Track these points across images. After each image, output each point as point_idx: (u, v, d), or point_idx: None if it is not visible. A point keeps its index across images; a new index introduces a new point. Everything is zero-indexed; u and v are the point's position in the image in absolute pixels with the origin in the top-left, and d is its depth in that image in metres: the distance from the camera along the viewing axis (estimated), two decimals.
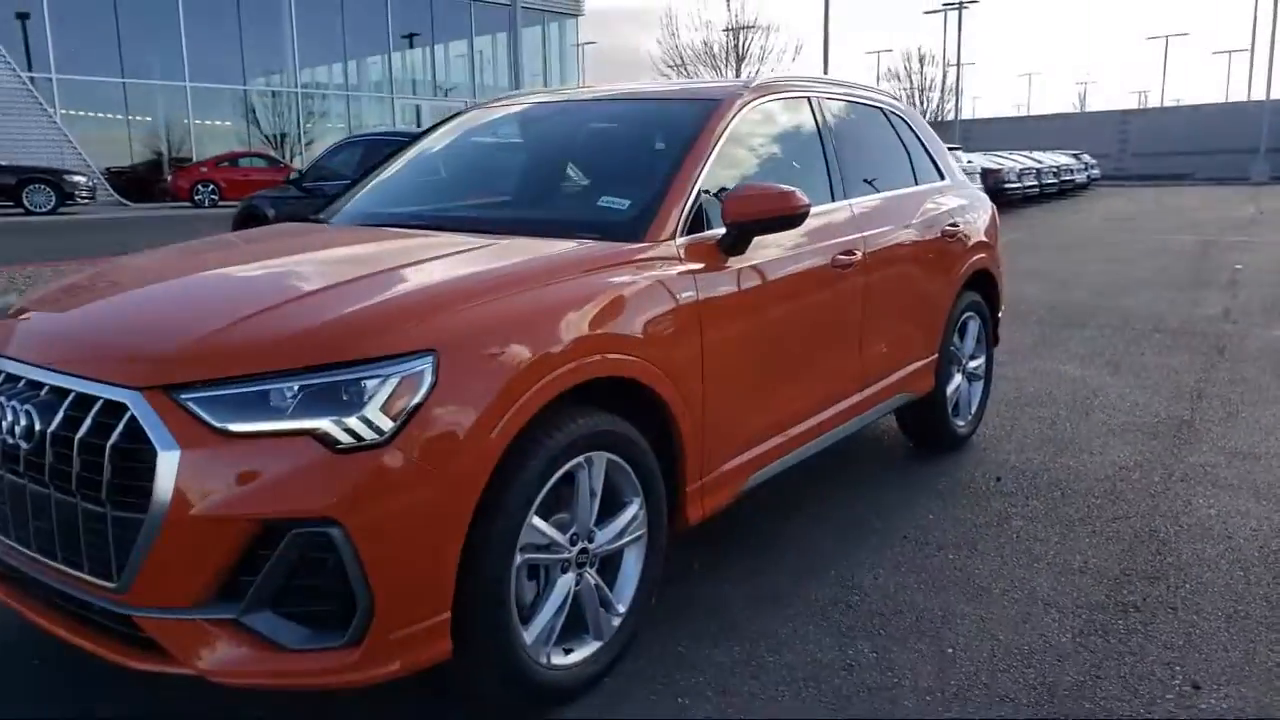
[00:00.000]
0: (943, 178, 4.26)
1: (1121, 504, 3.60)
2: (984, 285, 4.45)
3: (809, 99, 3.46)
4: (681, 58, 34.76)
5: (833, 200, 3.35)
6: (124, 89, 27.92)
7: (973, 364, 4.41)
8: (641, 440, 2.41)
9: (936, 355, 3.97)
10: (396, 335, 1.94)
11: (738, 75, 33.64)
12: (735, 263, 2.75)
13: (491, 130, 3.57)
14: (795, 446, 3.12)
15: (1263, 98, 40.35)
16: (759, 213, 2.67)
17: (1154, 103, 59.25)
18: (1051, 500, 3.66)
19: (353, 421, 1.84)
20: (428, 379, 1.91)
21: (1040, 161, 26.88)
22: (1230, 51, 72.05)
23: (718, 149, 2.90)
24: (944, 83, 40.74)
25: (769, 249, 2.87)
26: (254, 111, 32.18)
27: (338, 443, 1.83)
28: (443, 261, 2.40)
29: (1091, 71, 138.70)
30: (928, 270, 3.82)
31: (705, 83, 3.47)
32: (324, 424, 1.83)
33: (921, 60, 42.20)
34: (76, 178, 21.04)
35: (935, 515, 3.52)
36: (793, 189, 2.70)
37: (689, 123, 2.98)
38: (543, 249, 2.52)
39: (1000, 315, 4.67)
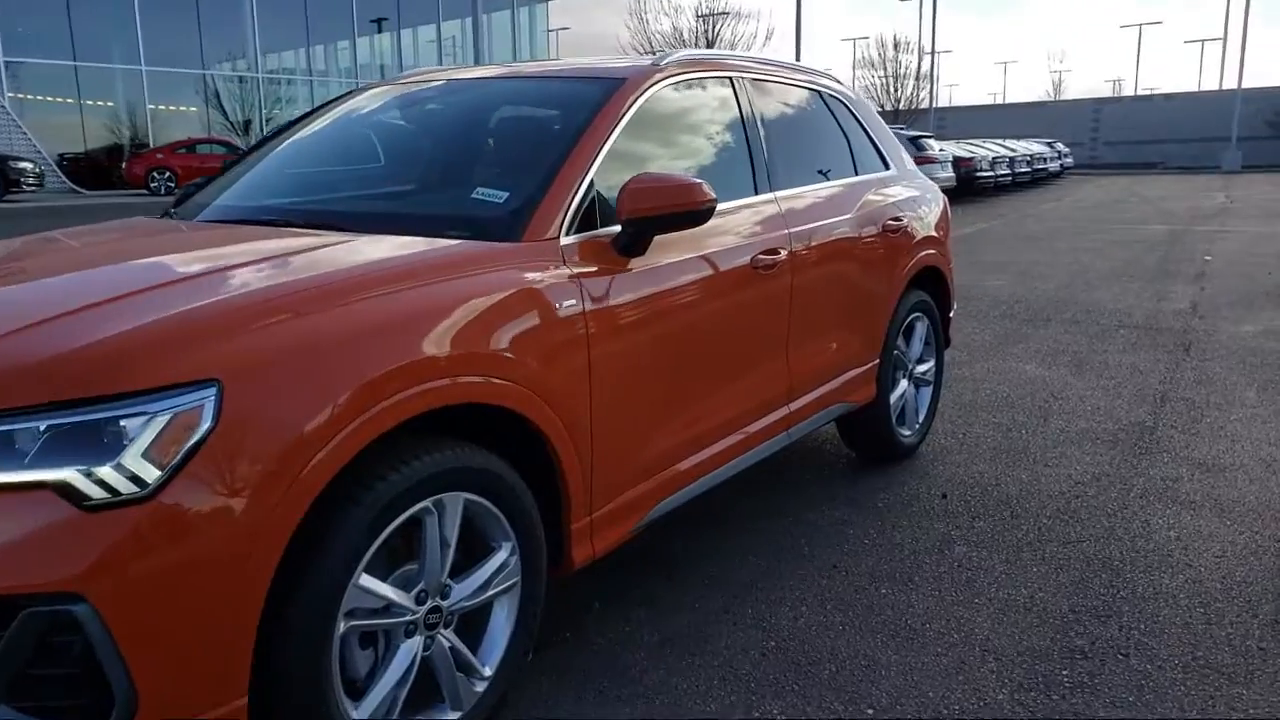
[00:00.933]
0: (888, 167, 3.93)
1: (1075, 526, 3.30)
2: (933, 283, 4.13)
3: (731, 80, 3.11)
4: (651, 44, 34.19)
5: (756, 193, 3.01)
6: (76, 72, 27.15)
7: (921, 368, 4.09)
8: (511, 475, 2.06)
9: (878, 361, 3.65)
10: (168, 362, 1.57)
11: None
12: (635, 265, 2.40)
13: (375, 113, 3.19)
14: (712, 468, 2.78)
15: (1234, 87, 40.41)
16: (657, 208, 2.32)
17: (1129, 91, 59.37)
18: (1000, 521, 3.35)
19: (105, 471, 1.48)
20: (207, 416, 1.55)
21: (1013, 150, 26.70)
22: (1203, 40, 72.43)
23: (617, 135, 2.55)
24: (919, 70, 40.45)
25: (675, 249, 2.52)
26: (217, 97, 31.49)
27: (86, 498, 1.47)
28: (262, 268, 2.03)
29: (1067, 60, 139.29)
30: (867, 269, 3.49)
31: (614, 60, 3.04)
32: (69, 474, 1.47)
33: (896, 47, 41.87)
34: (22, 164, 20.38)
35: (872, 539, 3.20)
36: (697, 180, 2.36)
37: (585, 105, 2.62)
38: (395, 249, 2.16)
39: (952, 315, 4.36)
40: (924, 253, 3.91)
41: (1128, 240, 12.75)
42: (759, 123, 3.13)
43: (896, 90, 41.38)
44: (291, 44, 34.46)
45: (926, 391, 4.19)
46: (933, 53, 39.66)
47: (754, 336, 2.91)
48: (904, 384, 3.95)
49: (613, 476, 2.37)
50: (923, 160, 19.34)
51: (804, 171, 3.36)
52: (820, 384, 3.25)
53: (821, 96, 3.64)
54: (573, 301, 2.20)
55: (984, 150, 23.89)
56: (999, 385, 5.21)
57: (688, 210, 2.35)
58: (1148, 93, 54.15)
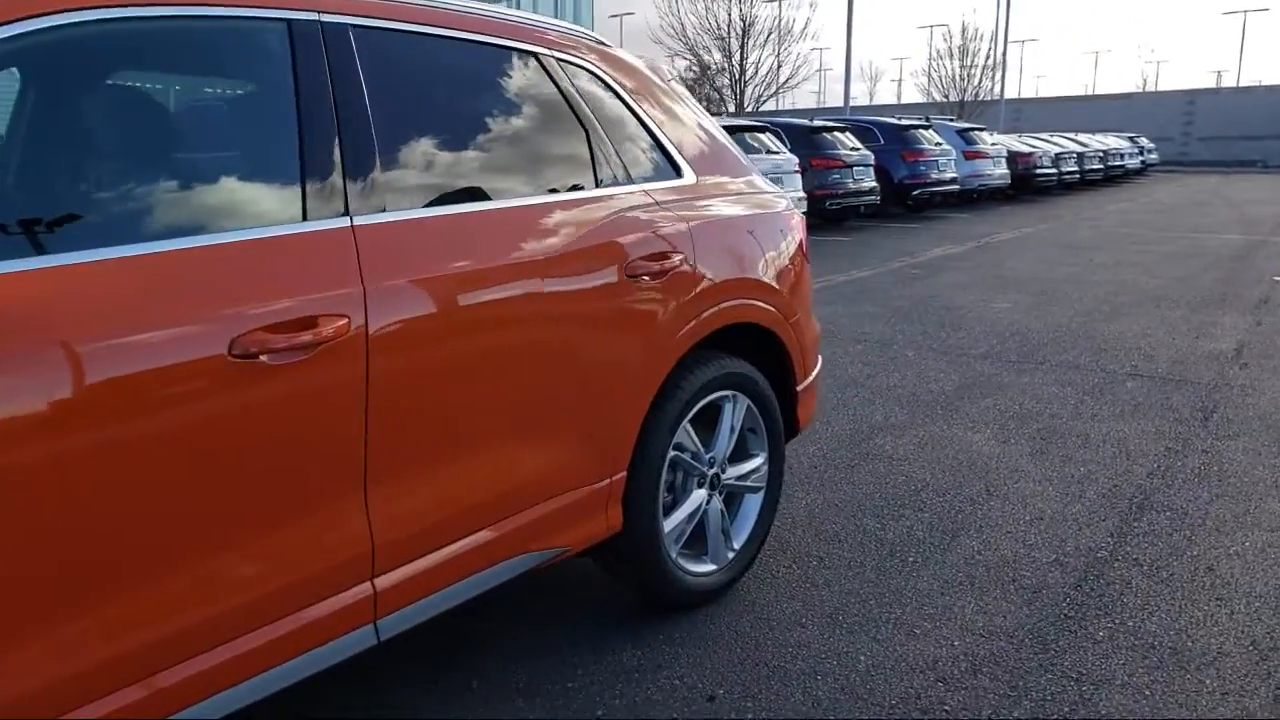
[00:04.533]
0: (678, 174, 2.58)
1: None
2: (760, 347, 2.79)
3: (290, 25, 1.81)
4: (683, 29, 32.22)
5: (305, 218, 1.72)
6: None
7: (736, 471, 2.75)
8: None
9: (625, 474, 2.33)
10: None
11: (742, 51, 31.25)
12: None
13: None
14: (160, 711, 1.53)
15: None
16: None
17: (1230, 83, 55.41)
18: None
19: None
20: None
21: (1085, 145, 24.51)
22: None
23: None
24: (987, 59, 37.80)
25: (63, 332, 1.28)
26: None
27: None
28: None
29: (1162, 50, 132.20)
30: (589, 332, 2.17)
31: None
32: None
33: (964, 34, 39.16)
34: None
35: None
36: None
37: None
38: None
39: (805, 388, 3.00)
40: (731, 303, 2.57)
41: (1188, 252, 10.96)
42: (352, 101, 1.83)
43: (963, 80, 38.82)
44: None
45: (754, 501, 2.84)
46: (1005, 39, 37.09)
47: (256, 473, 1.62)
48: (699, 496, 2.62)
49: None
50: (972, 155, 17.64)
51: (461, 179, 2.04)
52: (460, 534, 1.95)
53: (541, 63, 2.30)
54: None
55: (1047, 145, 21.85)
56: (920, 469, 3.80)
57: None
58: (1252, 85, 50.35)
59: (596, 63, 2.45)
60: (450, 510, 1.90)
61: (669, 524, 2.52)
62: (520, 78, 2.25)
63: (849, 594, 2.76)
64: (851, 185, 13.89)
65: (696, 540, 2.68)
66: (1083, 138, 25.67)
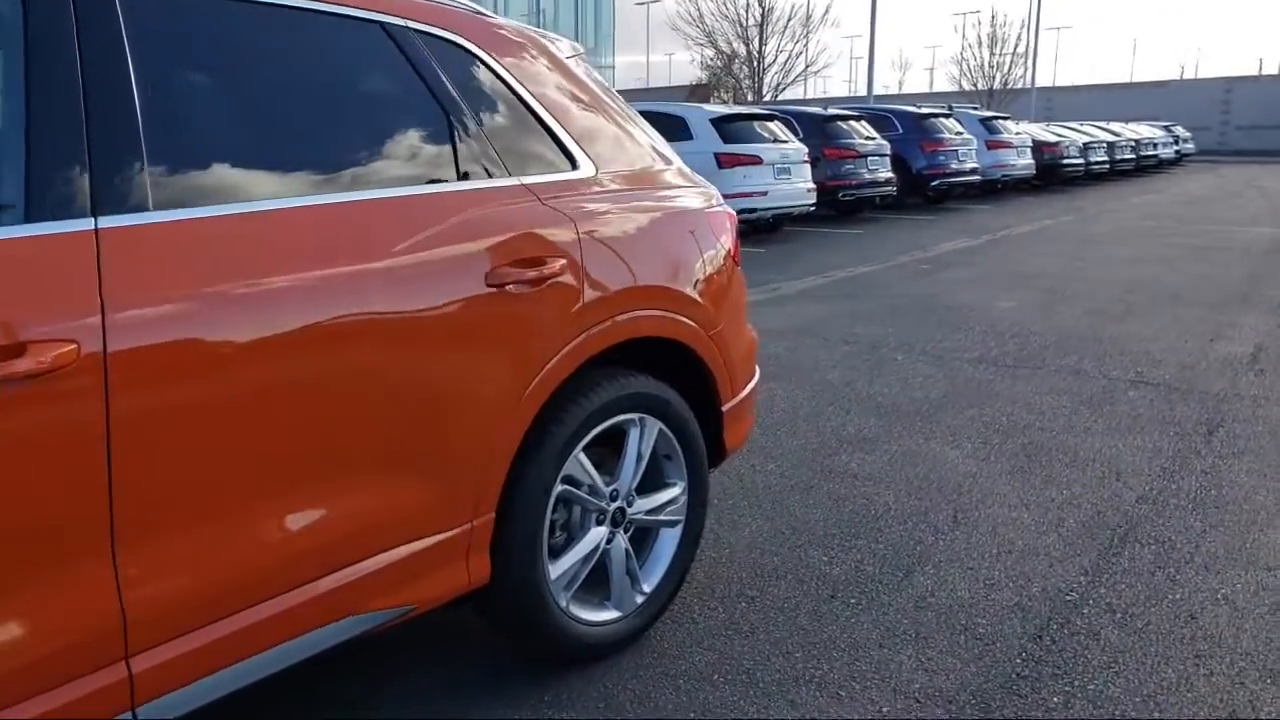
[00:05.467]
0: (574, 166, 2.26)
1: None
2: (678, 363, 2.47)
3: None
4: (700, 12, 31.56)
5: (28, 219, 1.41)
6: None
7: (648, 504, 2.43)
8: None
9: (493, 514, 2.01)
10: None
11: (761, 37, 30.59)
12: None
13: None
14: None
15: None
16: None
17: (1271, 70, 53.88)
18: None
19: None
20: None
21: (1117, 134, 23.79)
22: None
23: None
24: (1015, 47, 36.83)
25: None
26: None
27: None
28: None
29: (1202, 37, 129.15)
30: (429, 353, 1.85)
31: None
32: None
33: (994, 21, 38.22)
34: None
35: None
36: None
37: None
38: None
39: (732, 408, 2.67)
40: (634, 314, 2.24)
41: (1215, 246, 10.45)
42: (107, 67, 1.51)
43: (993, 69, 37.90)
44: None
45: (670, 537, 2.52)
46: (1036, 28, 36.18)
47: None
48: (598, 535, 2.30)
49: None
50: (995, 145, 17.12)
51: (266, 172, 1.73)
52: (252, 599, 1.64)
53: (388, 33, 1.97)
54: None
55: (1076, 134, 21.20)
56: (885, 490, 3.46)
57: None
58: None
59: (468, 35, 2.12)
60: (234, 572, 1.59)
61: (557, 569, 2.20)
62: (358, 50, 1.93)
63: (774, 645, 2.44)
64: (866, 176, 13.46)
65: (600, 583, 2.36)
66: (1114, 127, 24.93)
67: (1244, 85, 44.09)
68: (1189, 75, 57.09)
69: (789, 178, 11.34)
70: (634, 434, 2.34)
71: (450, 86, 2.04)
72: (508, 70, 2.18)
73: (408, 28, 1.99)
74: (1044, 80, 52.19)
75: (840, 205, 13.87)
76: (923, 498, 3.40)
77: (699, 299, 2.45)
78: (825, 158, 12.95)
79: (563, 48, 2.44)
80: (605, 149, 2.36)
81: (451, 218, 1.91)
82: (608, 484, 2.31)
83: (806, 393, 4.72)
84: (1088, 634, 2.47)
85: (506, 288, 1.95)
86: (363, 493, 1.76)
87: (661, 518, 2.47)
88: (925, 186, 15.30)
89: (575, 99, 2.35)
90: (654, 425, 2.38)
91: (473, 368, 1.90)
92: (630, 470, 2.35)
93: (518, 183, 2.08)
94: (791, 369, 5.18)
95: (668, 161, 2.59)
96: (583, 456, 2.21)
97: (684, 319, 2.40)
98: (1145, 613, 2.58)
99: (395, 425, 1.78)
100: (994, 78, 37.75)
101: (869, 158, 13.48)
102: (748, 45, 30.67)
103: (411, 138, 1.97)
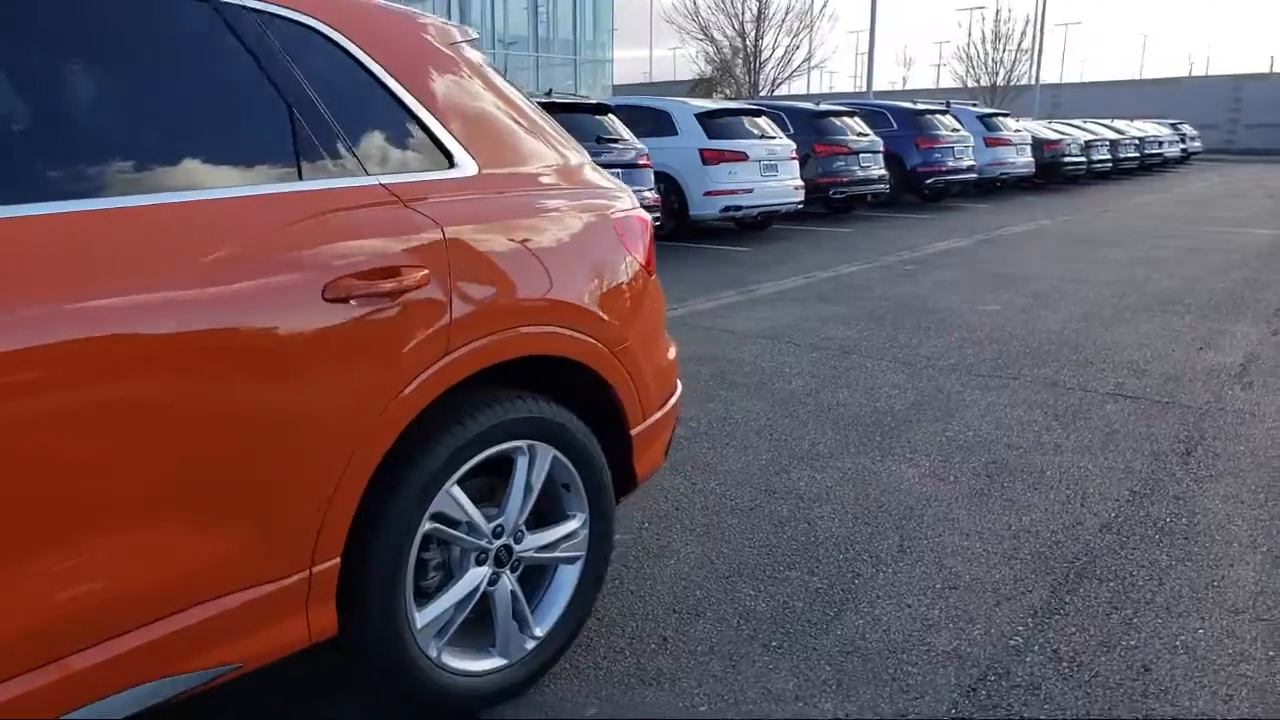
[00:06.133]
0: (450, 163, 2.02)
1: None
2: (577, 384, 2.24)
3: None
4: (696, 6, 31.11)
5: None
6: None
7: (539, 540, 2.19)
8: None
9: (337, 561, 1.78)
10: None
11: (758, 31, 30.17)
12: None
13: None
14: None
15: None
16: None
17: None
18: None
19: None
20: None
21: (1121, 132, 23.46)
22: None
23: None
24: (1021, 42, 36.39)
25: None
26: None
27: None
28: None
29: (1212, 34, 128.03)
30: (250, 379, 1.60)
31: None
32: None
33: (998, 17, 37.74)
34: None
35: None
36: None
37: None
38: None
39: (648, 428, 2.43)
40: (516, 331, 2.01)
41: (1213, 249, 10.17)
42: None
43: (995, 65, 37.44)
44: None
45: (569, 575, 2.29)
46: (1041, 23, 35.77)
47: None
48: (477, 576, 2.06)
49: None
50: (994, 142, 16.83)
51: (49, 170, 1.49)
52: (26, 663, 1.41)
53: (219, 12, 1.72)
54: None
55: (1078, 132, 20.87)
56: (830, 514, 3.22)
57: None
58: None
59: (319, 15, 1.88)
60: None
61: (425, 616, 1.97)
62: (179, 30, 1.69)
63: (680, 696, 2.20)
64: (859, 173, 13.19)
65: (488, 627, 2.13)
66: (1119, 124, 24.58)
67: (1254, 84, 43.62)
68: (1198, 73, 56.59)
69: (776, 175, 11.08)
70: (521, 463, 2.11)
71: (294, 73, 1.80)
72: (371, 55, 1.94)
73: (241, 5, 1.75)
74: (1051, 77, 51.81)
75: (832, 203, 13.62)
76: (870, 522, 3.16)
77: (601, 313, 2.21)
78: (816, 154, 12.69)
79: (450, 31, 2.20)
80: (493, 145, 2.12)
81: (282, 223, 1.67)
82: (491, 519, 2.07)
83: (765, 403, 4.48)
84: (1027, 687, 2.23)
85: (350, 303, 1.71)
86: (161, 541, 1.53)
87: (557, 555, 2.23)
88: (920, 185, 15.03)
89: (459, 89, 2.12)
90: (546, 453, 2.14)
91: (303, 396, 1.67)
92: (517, 503, 2.11)
93: (375, 183, 1.85)
94: (754, 376, 4.94)
95: (573, 161, 2.35)
96: (457, 491, 1.97)
97: (582, 335, 2.16)
98: (1094, 662, 2.34)
99: (198, 464, 1.55)
100: (997, 74, 37.32)
101: (861, 154, 13.21)
102: (744, 39, 30.31)
103: (241, 132, 1.73)
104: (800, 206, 11.55)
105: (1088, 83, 49.35)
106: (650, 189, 9.38)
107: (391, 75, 1.96)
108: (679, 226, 10.73)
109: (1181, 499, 3.35)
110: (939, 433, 4.07)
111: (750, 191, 10.75)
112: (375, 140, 1.90)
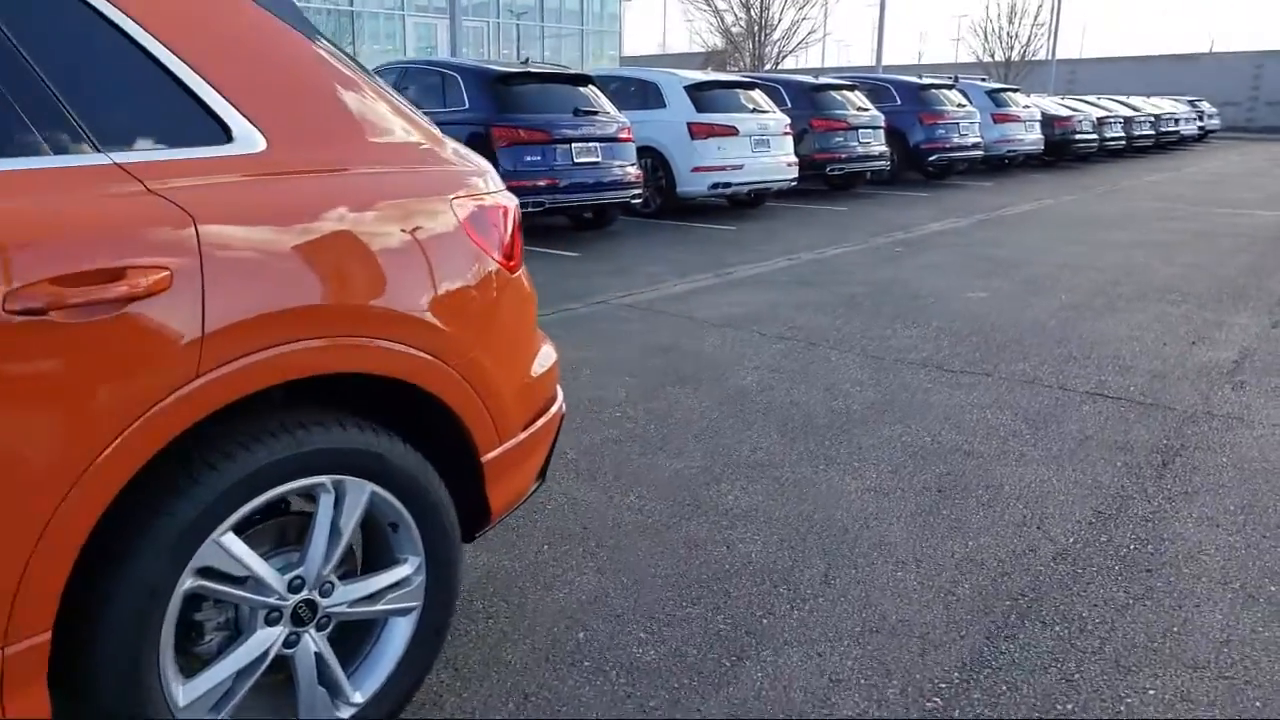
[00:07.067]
0: (226, 138, 1.65)
1: None
2: (414, 407, 1.88)
3: None
4: None
5: None
6: None
7: (358, 590, 1.84)
8: None
9: (46, 636, 1.43)
10: None
11: (761, 3, 29.48)
12: None
13: None
14: None
15: None
16: None
17: None
18: None
19: None
20: None
21: (1135, 109, 22.78)
22: None
23: None
24: (1037, 16, 35.49)
25: None
26: None
27: None
28: None
29: (1233, 8, 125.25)
30: None
31: None
32: None
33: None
34: None
35: None
36: None
37: None
38: None
39: (506, 453, 2.07)
40: (308, 343, 1.65)
41: (1220, 232, 9.70)
42: None
43: (1010, 39, 36.55)
44: None
45: (401, 629, 1.94)
46: None
47: None
48: (267, 638, 1.72)
49: None
50: (1001, 119, 16.31)
51: None
52: None
53: None
54: None
55: (1091, 108, 20.25)
56: (753, 535, 2.86)
57: None
58: None
59: None
60: None
61: (196, 688, 1.63)
62: None
63: None
64: (858, 149, 12.72)
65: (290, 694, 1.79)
66: (1134, 101, 23.88)
67: (1275, 60, 42.54)
68: (1219, 49, 55.34)
69: (768, 150, 10.64)
70: (325, 502, 1.76)
71: None
72: (117, 5, 1.57)
73: None
74: (1069, 52, 50.77)
75: (830, 180, 13.16)
76: (795, 547, 2.80)
77: (433, 320, 1.85)
78: (813, 129, 12.25)
79: None
80: (292, 116, 1.75)
81: None
82: (286, 570, 1.72)
83: (712, 400, 4.12)
84: None
85: (50, 315, 1.35)
86: None
87: (383, 607, 1.89)
88: (923, 162, 14.54)
89: (251, 49, 1.74)
90: (360, 489, 1.79)
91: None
92: (320, 551, 1.76)
93: (107, 161, 1.48)
94: (708, 370, 4.57)
95: (412, 138, 1.98)
96: (231, 540, 1.63)
97: (404, 348, 1.80)
98: None
99: None
100: (1011, 49, 36.45)
101: (861, 130, 12.75)
102: (749, 11, 29.66)
103: None
104: (794, 184, 11.12)
105: (1106, 58, 48.24)
106: (632, 164, 8.98)
107: (144, 29, 1.59)
108: (666, 204, 10.33)
109: (1150, 521, 2.98)
110: (894, 438, 3.70)
111: (740, 168, 10.33)
112: (115, 109, 1.54)
